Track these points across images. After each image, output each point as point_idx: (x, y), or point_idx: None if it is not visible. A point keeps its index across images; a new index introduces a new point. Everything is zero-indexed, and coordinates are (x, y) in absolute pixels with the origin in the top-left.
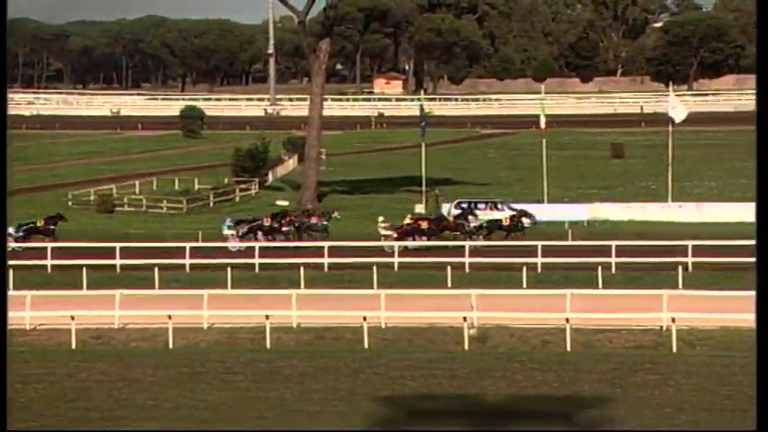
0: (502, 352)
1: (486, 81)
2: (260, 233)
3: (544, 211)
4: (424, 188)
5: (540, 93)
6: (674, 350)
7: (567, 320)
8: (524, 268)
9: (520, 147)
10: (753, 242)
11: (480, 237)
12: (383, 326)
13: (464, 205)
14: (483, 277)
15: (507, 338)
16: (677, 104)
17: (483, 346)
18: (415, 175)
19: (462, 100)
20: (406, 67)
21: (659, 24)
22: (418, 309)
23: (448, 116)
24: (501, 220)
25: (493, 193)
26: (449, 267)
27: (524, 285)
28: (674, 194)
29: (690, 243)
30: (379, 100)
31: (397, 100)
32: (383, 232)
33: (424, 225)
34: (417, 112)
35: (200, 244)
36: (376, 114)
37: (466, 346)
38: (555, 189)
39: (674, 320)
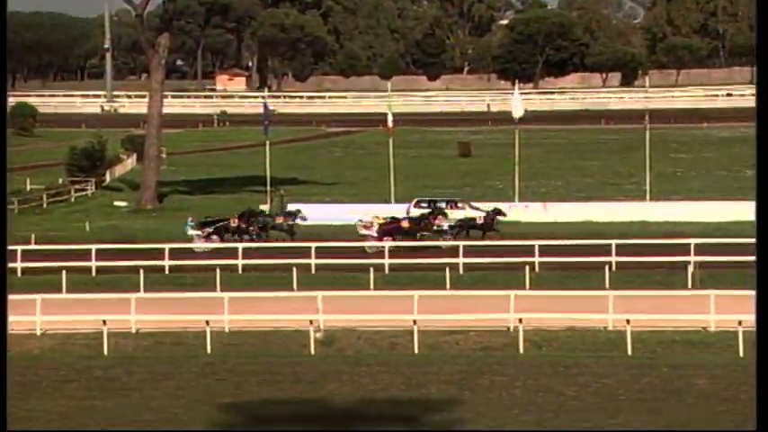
0: (348, 355)
1: (332, 78)
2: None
3: (391, 212)
4: (268, 188)
5: (386, 90)
6: (521, 351)
7: (415, 322)
8: (371, 269)
9: (366, 145)
10: (599, 241)
11: (451, 237)
12: (227, 330)
13: (424, 204)
14: (328, 279)
15: (354, 341)
16: (518, 102)
17: (329, 350)
18: (259, 174)
19: (308, 97)
20: (250, 64)
21: (505, 22)
22: (264, 312)
23: (293, 114)
24: (476, 219)
25: (339, 193)
26: (294, 269)
27: (371, 287)
28: (520, 194)
29: (536, 243)
30: (222, 97)
31: (241, 97)
32: (362, 231)
33: (406, 224)
34: (261, 110)
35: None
36: (218, 112)
37: (312, 350)
38: (402, 189)
39: (521, 321)
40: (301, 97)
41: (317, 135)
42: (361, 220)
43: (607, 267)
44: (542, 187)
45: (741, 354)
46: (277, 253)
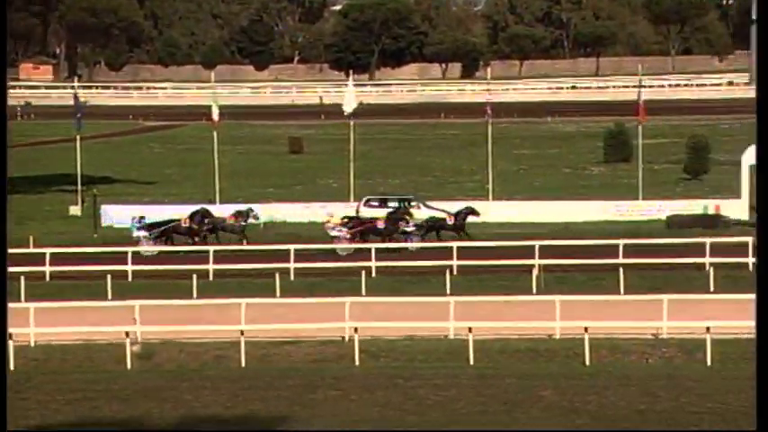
0: (169, 369)
1: (150, 67)
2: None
3: (217, 213)
4: (80, 187)
5: (210, 81)
6: (357, 363)
7: (242, 333)
8: (194, 276)
9: (189, 141)
10: (440, 243)
11: (419, 239)
12: (32, 344)
13: (375, 203)
14: (146, 286)
15: (176, 354)
16: (352, 94)
17: (148, 364)
18: (69, 172)
19: (123, 88)
20: (57, 51)
21: (338, 8)
22: (78, 323)
23: (106, 106)
24: (445, 219)
25: (159, 193)
26: (109, 276)
27: (195, 295)
28: (356, 193)
29: (373, 246)
30: (27, 88)
31: (47, 88)
32: (333, 233)
33: (381, 224)
34: (71, 102)
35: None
36: (22, 104)
37: (128, 365)
38: (228, 188)
39: (356, 330)
40: (116, 88)
41: (133, 129)
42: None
43: (448, 271)
44: (380, 186)
45: (587, 362)
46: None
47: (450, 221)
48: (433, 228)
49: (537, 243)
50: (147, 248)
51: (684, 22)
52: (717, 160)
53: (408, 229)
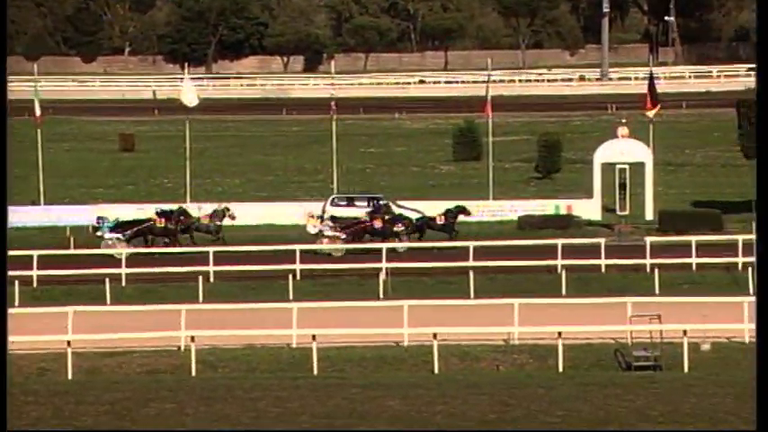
0: None
1: None
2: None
3: (40, 215)
4: None
5: (32, 73)
6: (194, 373)
7: (69, 344)
8: (17, 282)
9: (8, 137)
10: (283, 246)
11: (406, 238)
12: None
13: (343, 203)
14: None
15: None
16: (190, 88)
17: None
18: None
19: None
20: None
21: None
22: None
23: None
24: (435, 218)
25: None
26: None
27: (17, 303)
28: (192, 193)
29: (211, 249)
30: None
31: None
32: (329, 233)
33: (378, 224)
34: None
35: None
36: None
37: None
38: (54, 188)
39: (193, 339)
40: None
41: None
42: (312, 216)
43: (291, 276)
44: (218, 186)
45: (437, 370)
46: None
47: (441, 221)
48: (421, 228)
49: (384, 246)
50: (120, 250)
51: (535, 15)
52: (569, 159)
53: (398, 230)
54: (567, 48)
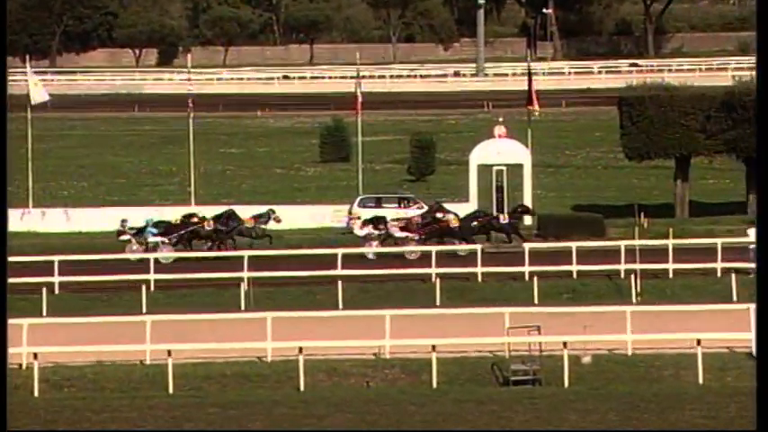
0: None
1: None
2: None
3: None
4: None
5: None
6: (36, 394)
7: None
8: None
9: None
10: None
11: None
12: None
13: (371, 204)
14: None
15: None
16: (37, 83)
17: None
18: None
19: None
20: None
21: None
22: None
23: None
24: (498, 218)
25: None
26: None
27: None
28: (35, 197)
29: (56, 258)
30: None
31: None
32: (398, 234)
33: (455, 223)
34: None
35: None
36: None
37: None
38: None
39: (36, 357)
40: None
41: None
42: (363, 219)
43: (144, 286)
44: (63, 189)
45: (302, 387)
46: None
47: (504, 221)
48: (485, 229)
49: (246, 253)
50: (167, 255)
51: (406, 7)
52: (443, 160)
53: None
54: (440, 41)
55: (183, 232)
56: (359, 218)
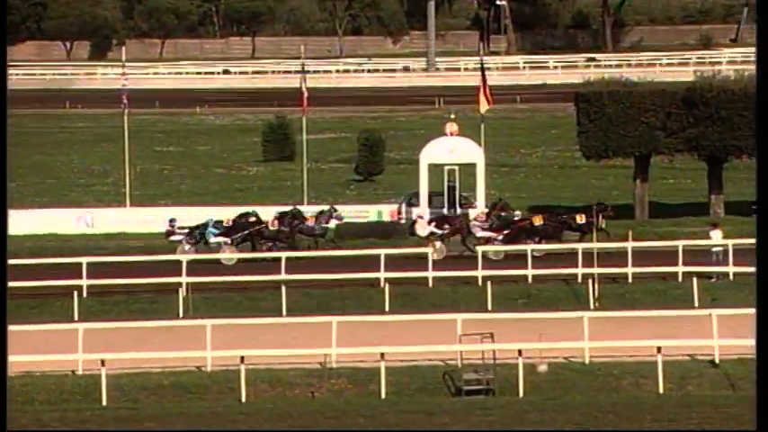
0: None
1: None
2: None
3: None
4: None
5: None
6: None
7: None
8: None
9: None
10: (67, 259)
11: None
12: None
13: (415, 200)
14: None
15: None
16: None
17: None
18: None
19: None
20: None
21: None
22: None
23: None
24: (574, 218)
25: None
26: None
27: None
28: None
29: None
30: None
31: None
32: (481, 234)
33: (539, 221)
34: None
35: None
36: None
37: None
38: None
39: None
40: None
41: None
42: (420, 217)
43: (76, 293)
44: None
45: (244, 398)
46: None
47: (581, 220)
48: (560, 228)
49: (184, 258)
50: (229, 256)
51: None
52: (393, 159)
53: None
54: (389, 34)
55: (246, 232)
56: (420, 217)
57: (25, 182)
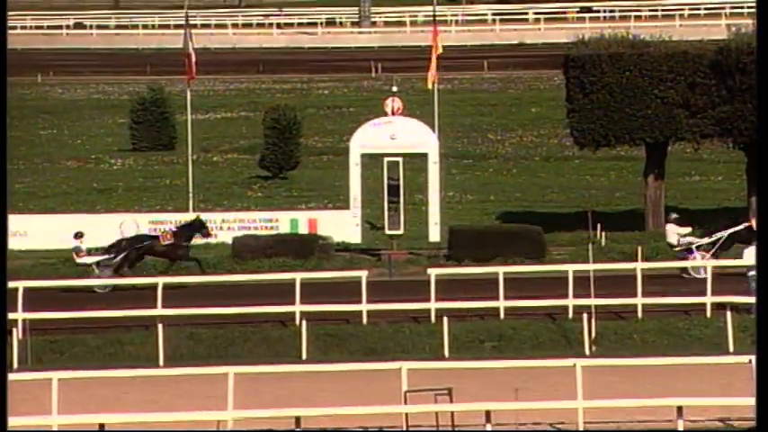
0: None
1: None
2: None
3: None
4: None
5: None
6: None
7: None
8: None
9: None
10: None
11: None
12: None
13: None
14: None
15: None
16: None
17: None
18: None
19: None
20: None
21: None
22: None
23: None
24: (739, 232)
25: None
26: None
27: None
28: None
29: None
30: None
31: None
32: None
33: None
34: None
35: None
36: None
37: None
38: None
39: None
40: None
41: None
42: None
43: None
44: None
45: None
46: None
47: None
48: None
49: (20, 285)
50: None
51: None
52: (312, 147)
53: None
54: None
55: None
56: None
57: None
